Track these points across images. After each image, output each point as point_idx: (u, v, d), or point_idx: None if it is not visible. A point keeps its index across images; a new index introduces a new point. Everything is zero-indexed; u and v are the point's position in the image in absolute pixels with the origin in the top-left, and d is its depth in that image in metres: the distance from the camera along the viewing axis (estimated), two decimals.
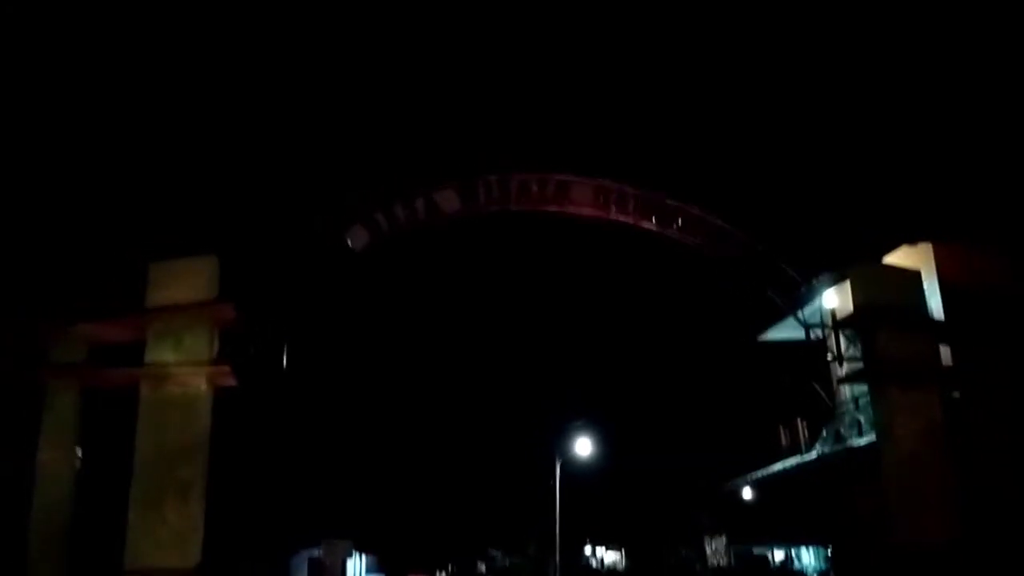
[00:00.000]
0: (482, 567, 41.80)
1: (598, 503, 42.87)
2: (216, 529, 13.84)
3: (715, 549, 39.53)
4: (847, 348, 15.02)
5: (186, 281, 12.24)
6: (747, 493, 28.80)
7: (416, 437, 37.76)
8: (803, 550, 33.85)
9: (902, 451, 12.83)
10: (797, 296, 16.77)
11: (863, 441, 15.03)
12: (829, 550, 31.48)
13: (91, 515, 11.31)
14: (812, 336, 17.17)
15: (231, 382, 12.19)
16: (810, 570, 32.01)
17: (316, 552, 35.30)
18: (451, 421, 38.98)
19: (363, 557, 36.94)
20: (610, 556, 53.00)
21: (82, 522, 11.30)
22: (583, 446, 42.01)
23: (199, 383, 11.85)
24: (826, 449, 17.02)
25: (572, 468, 41.78)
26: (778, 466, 18.91)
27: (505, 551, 42.30)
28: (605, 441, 41.10)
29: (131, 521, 11.16)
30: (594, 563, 51.60)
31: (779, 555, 35.60)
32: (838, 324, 14.77)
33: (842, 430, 17.21)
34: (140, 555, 11.00)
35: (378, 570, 36.23)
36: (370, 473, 35.85)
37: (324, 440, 30.72)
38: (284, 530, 32.02)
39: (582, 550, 50.34)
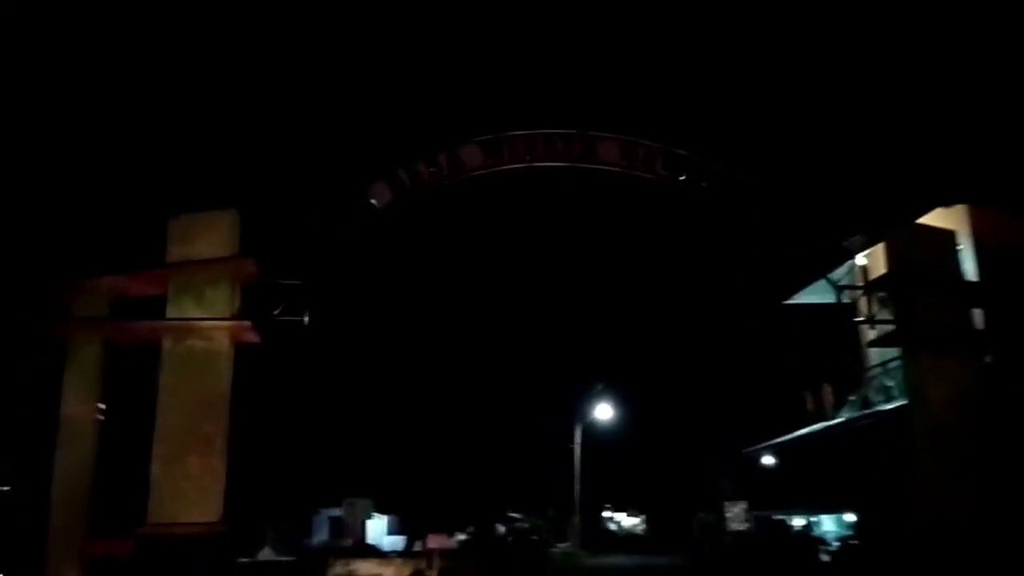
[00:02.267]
0: (501, 529, 41.93)
1: (618, 467, 42.96)
2: (239, 485, 13.90)
3: (735, 514, 39.42)
4: (878, 311, 14.69)
5: (207, 236, 12.14)
6: (770, 459, 28.67)
7: (437, 399, 37.88)
8: (824, 517, 33.72)
9: (934, 417, 12.56)
10: (829, 257, 16.42)
11: (892, 407, 14.78)
12: (850, 517, 31.36)
13: (114, 469, 11.32)
14: (842, 300, 16.86)
15: (253, 338, 12.13)
16: (830, 537, 31.80)
17: (338, 511, 35.63)
18: (473, 383, 39.05)
19: (384, 518, 37.22)
20: (629, 520, 53.30)
21: (105, 477, 11.31)
22: (604, 410, 42.09)
23: (221, 338, 11.80)
24: (853, 415, 16.79)
25: (593, 432, 41.87)
26: (803, 432, 18.70)
27: (525, 514, 42.46)
28: (626, 405, 41.09)
29: (153, 475, 11.18)
30: (613, 527, 51.94)
31: (799, 522, 35.43)
32: (871, 286, 14.41)
33: (870, 396, 16.94)
34: (163, 509, 11.03)
35: (399, 531, 36.48)
36: (391, 434, 36.06)
37: (345, 399, 30.82)
38: (306, 488, 32.34)
39: (601, 514, 50.64)
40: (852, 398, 17.24)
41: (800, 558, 26.51)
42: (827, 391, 18.02)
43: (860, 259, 16.21)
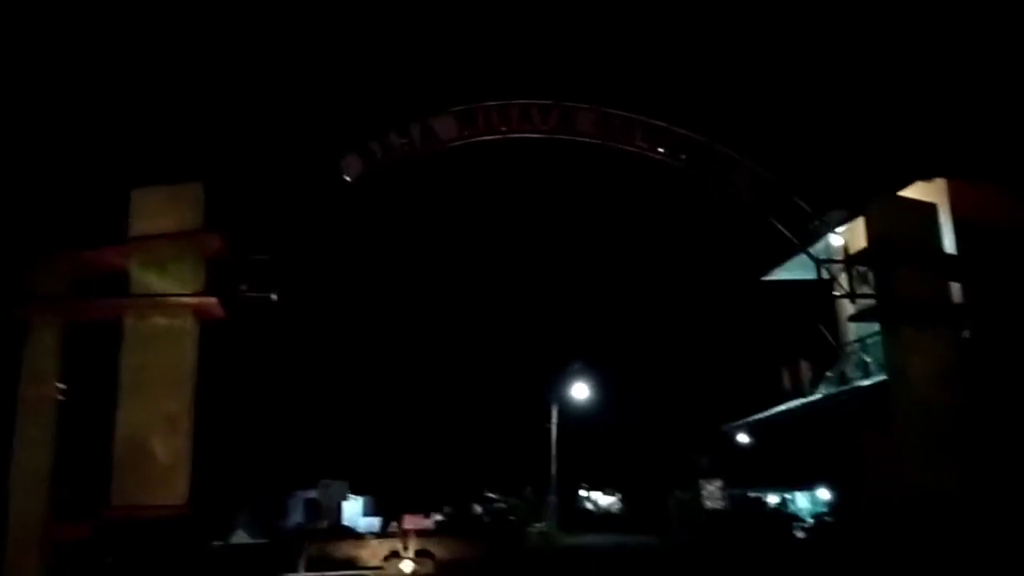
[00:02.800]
0: (478, 509, 41.79)
1: (594, 446, 42.93)
2: (209, 466, 13.49)
3: (710, 492, 39.51)
4: (858, 286, 14.53)
5: (171, 209, 11.66)
6: (746, 437, 28.67)
7: (411, 378, 37.53)
8: (798, 494, 33.94)
9: (915, 392, 12.43)
10: (808, 231, 16.23)
11: (870, 382, 14.67)
12: (824, 494, 31.54)
13: (76, 451, 10.88)
14: (821, 275, 16.71)
15: (219, 315, 11.70)
16: (804, 514, 31.98)
17: (313, 493, 35.25)
18: (446, 362, 38.72)
19: (360, 499, 36.90)
20: (605, 499, 53.43)
21: (67, 459, 10.87)
22: (580, 390, 41.93)
23: (185, 315, 11.36)
24: (831, 391, 16.69)
25: (569, 411, 41.72)
26: (780, 408, 18.61)
27: (501, 494, 42.34)
28: (603, 384, 40.99)
29: (116, 457, 10.76)
30: (589, 506, 52.03)
31: (774, 499, 35.63)
32: (852, 259, 14.22)
33: (847, 372, 16.86)
34: (127, 491, 10.62)
35: (375, 512, 36.20)
36: (365, 415, 35.69)
37: (318, 378, 30.32)
38: (280, 470, 31.90)
39: (577, 493, 50.69)
40: (830, 374, 17.14)
41: (775, 535, 26.60)
42: (804, 367, 17.91)
43: (839, 234, 16.05)
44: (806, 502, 33.48)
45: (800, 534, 26.87)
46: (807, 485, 33.48)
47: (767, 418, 19.10)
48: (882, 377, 14.84)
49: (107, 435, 10.88)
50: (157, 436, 10.85)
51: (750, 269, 19.58)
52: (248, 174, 12.14)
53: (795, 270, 18.71)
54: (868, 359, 15.71)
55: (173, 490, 10.75)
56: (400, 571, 25.51)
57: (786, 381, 18.50)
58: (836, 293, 14.89)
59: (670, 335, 35.20)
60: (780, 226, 16.38)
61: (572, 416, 41.15)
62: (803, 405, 17.58)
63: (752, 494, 36.05)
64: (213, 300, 11.44)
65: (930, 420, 12.22)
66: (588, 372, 40.09)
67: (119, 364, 11.14)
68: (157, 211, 11.63)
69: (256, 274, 11.65)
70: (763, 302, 20.86)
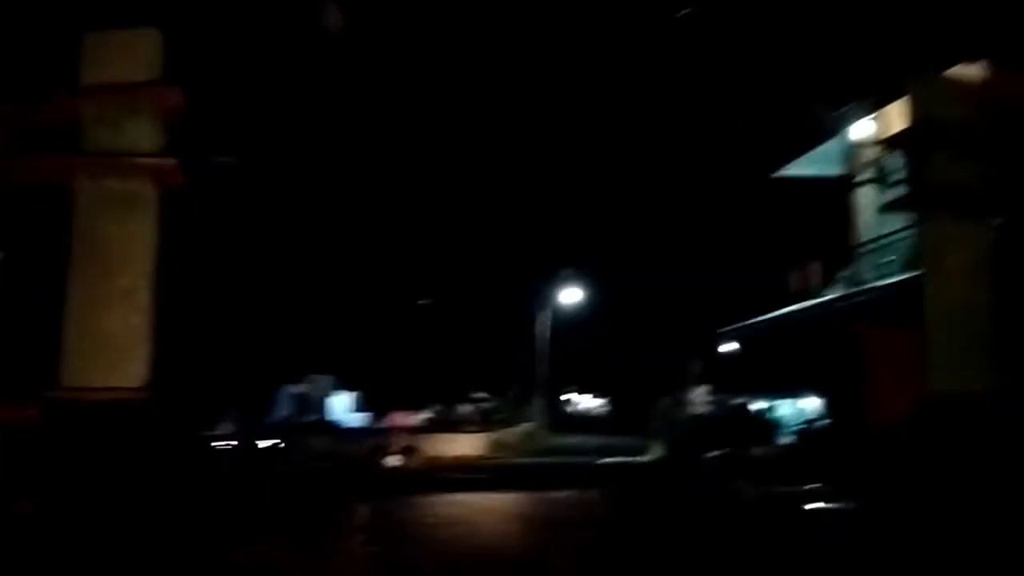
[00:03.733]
0: (466, 409, 41.25)
1: (583, 350, 42.16)
2: (181, 352, 12.24)
3: (696, 397, 38.98)
4: (887, 176, 13.17)
5: (126, 58, 9.99)
6: (737, 343, 27.76)
7: (401, 269, 36.26)
8: (781, 403, 33.25)
9: (950, 288, 11.16)
10: (838, 116, 14.79)
11: (893, 281, 13.45)
12: (809, 403, 30.86)
13: (20, 327, 9.50)
14: (843, 170, 15.36)
15: (179, 180, 10.20)
16: (787, 421, 31.21)
17: (300, 388, 34.64)
18: (432, 252, 37.37)
19: (348, 394, 36.37)
20: (591, 403, 53.27)
21: (9, 335, 9.50)
22: (571, 293, 40.87)
23: (142, 179, 9.85)
24: (844, 292, 15.48)
25: (560, 313, 40.77)
26: (787, 310, 17.43)
27: (489, 394, 41.75)
28: (596, 284, 39.88)
29: (66, 334, 9.42)
30: (575, 409, 51.87)
31: (758, 406, 34.88)
32: (889, 142, 12.77)
33: (862, 273, 15.64)
34: (78, 372, 9.33)
35: (363, 408, 35.66)
36: (353, 306, 34.54)
37: (296, 262, 28.82)
38: (266, 363, 30.89)
39: (564, 396, 50.37)
40: (842, 276, 15.92)
41: (757, 440, 25.92)
42: (814, 269, 16.65)
43: (864, 124, 14.64)
44: (787, 410, 32.83)
45: (786, 439, 26.24)
46: (791, 393, 32.77)
47: (768, 321, 17.95)
48: (901, 277, 13.70)
49: (57, 310, 9.52)
50: (111, 312, 9.49)
51: (759, 164, 18.10)
52: (212, 21, 10.41)
53: (810, 166, 17.34)
54: (887, 259, 14.47)
55: (129, 372, 9.46)
56: (385, 465, 24.89)
57: (794, 284, 17.27)
58: (863, 179, 13.50)
59: (673, 232, 33.59)
60: (810, 110, 14.92)
61: (563, 318, 40.28)
62: (810, 307, 16.41)
63: (736, 400, 35.43)
64: (172, 162, 9.92)
65: (965, 319, 10.99)
66: (580, 275, 38.99)
67: (70, 232, 9.68)
68: (110, 59, 9.97)
69: (221, 135, 10.08)
70: (772, 200, 19.44)
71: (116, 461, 9.04)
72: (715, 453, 22.55)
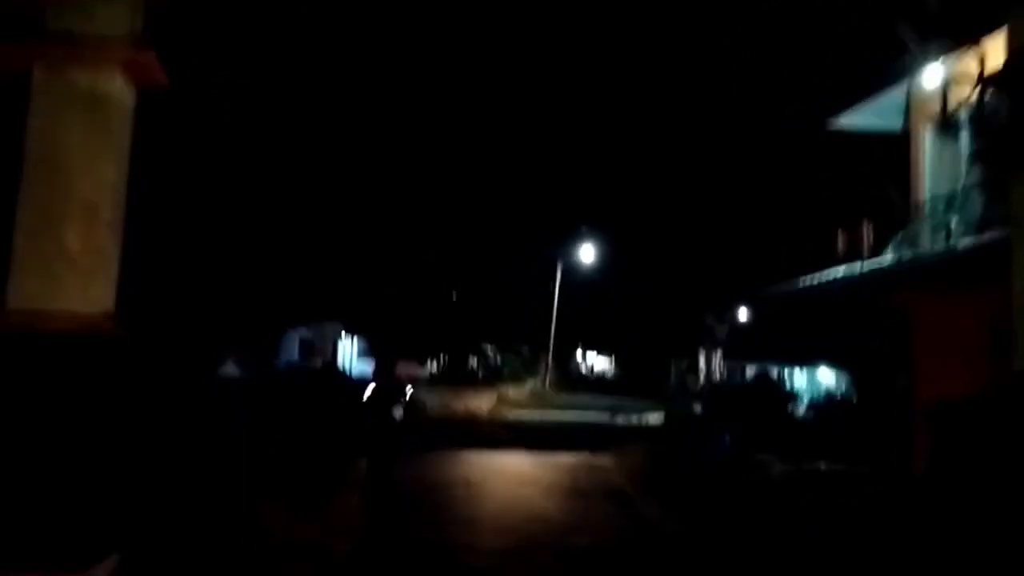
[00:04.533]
0: (473, 362, 40.00)
1: (596, 308, 40.59)
2: (176, 286, 10.65)
3: (710, 362, 37.48)
4: (961, 125, 11.34)
5: None
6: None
7: (416, 219, 34.64)
8: (796, 371, 31.67)
9: None
10: (905, 58, 12.93)
11: (969, 242, 11.68)
12: (826, 374, 29.30)
13: None
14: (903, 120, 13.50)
15: (158, 78, 8.48)
16: (802, 392, 29.65)
17: (306, 332, 33.61)
18: (452, 208, 35.70)
19: (355, 340, 35.18)
20: (601, 362, 51.80)
21: None
22: (587, 252, 39.14)
23: (113, 71, 8.11)
24: (901, 255, 13.70)
25: (574, 271, 39.13)
26: (834, 272, 15.62)
27: (498, 348, 40.38)
28: (613, 243, 38.12)
29: (16, 248, 7.79)
30: (584, 368, 50.42)
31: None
32: (985, 81, 10.89)
33: (921, 235, 13.86)
34: (28, 293, 7.70)
35: (369, 355, 34.44)
36: (363, 253, 33.01)
37: (306, 205, 27.22)
38: (272, 305, 29.51)
39: (573, 354, 48.89)
40: (898, 237, 14.12)
41: (777, 409, 24.49)
42: (866, 229, 14.83)
43: (939, 67, 12.75)
44: (803, 380, 31.31)
45: (802, 412, 24.76)
46: (807, 362, 31.18)
47: (808, 285, 16.19)
48: (969, 241, 11.95)
49: (8, 221, 7.88)
50: (70, 226, 7.84)
51: (808, 113, 16.20)
52: None
53: (867, 115, 15.49)
54: (954, 220, 12.68)
55: (90, 295, 7.84)
56: (389, 416, 23.53)
57: (841, 245, 15.46)
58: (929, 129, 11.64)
59: (703, 184, 31.58)
60: (866, 52, 13.07)
61: (576, 278, 38.66)
62: (858, 271, 14.62)
63: (757, 369, 33.95)
64: (149, 54, 8.18)
65: None
66: (597, 233, 37.24)
67: (24, 131, 7.99)
68: None
69: (213, 25, 8.33)
70: (819, 153, 17.54)
71: (73, 399, 7.48)
72: (735, 423, 21.00)
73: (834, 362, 25.55)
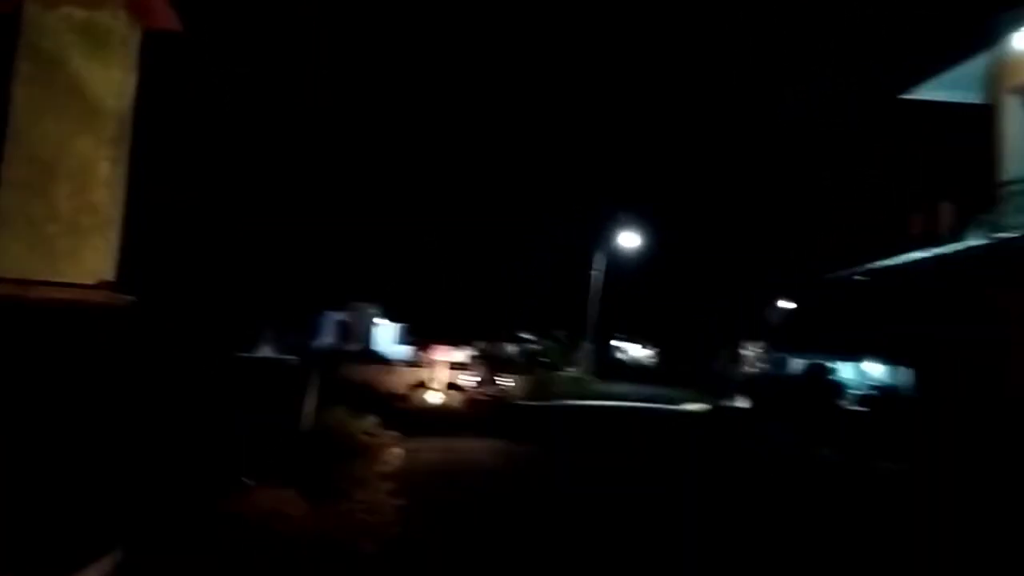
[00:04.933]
0: (511, 349, 38.79)
1: (638, 296, 39.18)
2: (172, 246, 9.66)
3: (752, 353, 35.88)
4: None
5: None
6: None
7: (456, 205, 33.59)
8: (842, 364, 29.93)
9: None
10: (992, 23, 11.43)
11: None
12: (874, 367, 27.61)
13: None
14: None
15: (166, 20, 7.41)
16: (852, 385, 27.89)
17: (343, 315, 32.93)
18: (495, 188, 34.55)
19: (392, 325, 34.35)
20: (640, 351, 50.28)
21: None
22: (629, 238, 37.68)
23: (114, 8, 7.05)
24: (985, 240, 12.20)
25: (617, 258, 37.74)
26: (898, 259, 14.16)
27: (536, 335, 39.18)
28: (658, 228, 36.63)
29: (2, 208, 6.78)
30: (622, 356, 48.98)
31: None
32: None
33: (1008, 217, 12.34)
34: (14, 258, 6.70)
35: (406, 340, 33.54)
36: (402, 237, 32.08)
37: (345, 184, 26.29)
38: (309, 287, 28.74)
39: (611, 343, 47.48)
40: (982, 219, 12.61)
41: (831, 402, 23.04)
42: (946, 210, 13.31)
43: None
44: (850, 373, 29.60)
45: (854, 406, 23.20)
46: (859, 354, 29.45)
47: (876, 270, 14.69)
48: None
49: None
50: (65, 184, 6.81)
51: (881, 84, 14.69)
52: None
53: (947, 87, 13.94)
54: None
55: (82, 263, 6.81)
56: (424, 402, 22.67)
57: (915, 227, 13.93)
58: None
59: (758, 162, 29.83)
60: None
61: (618, 265, 37.29)
62: (935, 256, 13.11)
63: (797, 359, 32.33)
64: None
65: None
66: (641, 217, 35.79)
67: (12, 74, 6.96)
68: None
69: None
70: (892, 128, 15.97)
71: (62, 378, 6.46)
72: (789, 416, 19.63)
73: (893, 355, 23.88)
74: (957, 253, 12.44)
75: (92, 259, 6.86)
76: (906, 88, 13.97)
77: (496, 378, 27.03)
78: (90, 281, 6.79)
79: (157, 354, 8.94)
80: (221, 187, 15.58)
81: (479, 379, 25.95)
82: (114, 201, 7.07)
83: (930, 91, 14.03)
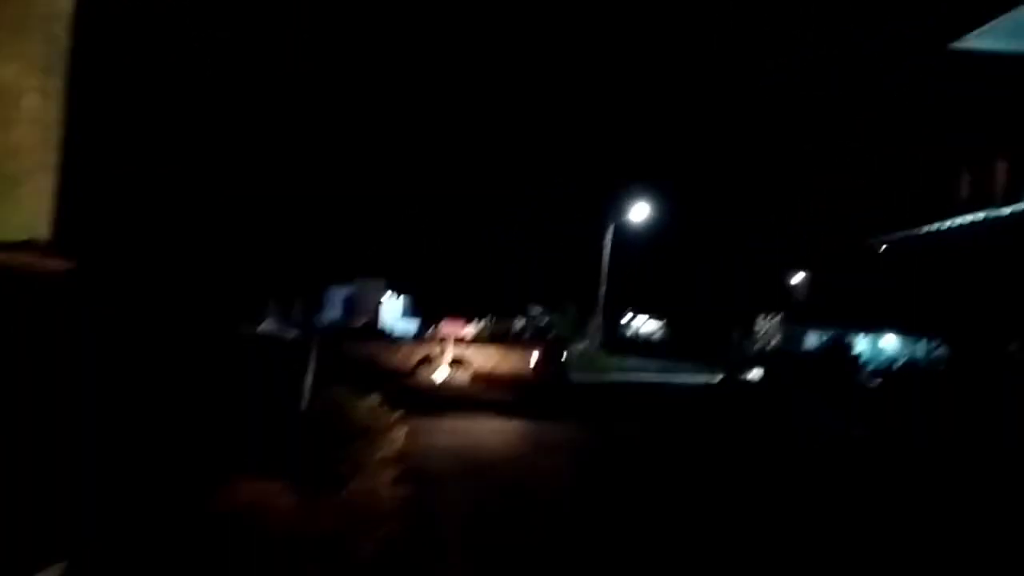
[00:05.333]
0: (519, 323, 37.55)
1: (648, 270, 37.83)
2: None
3: (768, 326, 34.54)
4: None
5: None
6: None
7: (465, 179, 32.22)
8: (858, 338, 28.56)
9: None
10: None
11: None
12: (890, 340, 26.26)
13: None
14: None
15: None
16: (866, 359, 26.52)
17: (350, 290, 31.74)
18: (503, 163, 33.17)
19: (400, 299, 33.13)
20: (650, 325, 48.97)
21: None
22: (640, 210, 36.21)
23: None
24: None
25: (627, 231, 36.34)
26: (945, 224, 12.75)
27: (545, 309, 37.93)
28: (670, 199, 35.14)
29: None
30: (632, 331, 47.72)
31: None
32: None
33: None
34: None
35: (414, 314, 32.35)
36: (408, 208, 30.77)
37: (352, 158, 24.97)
38: (314, 260, 27.53)
39: (621, 317, 46.20)
40: None
41: (852, 377, 21.74)
42: (1000, 169, 11.85)
43: None
44: (866, 346, 28.23)
45: (870, 381, 21.90)
46: (881, 328, 28.02)
47: (927, 234, 13.27)
48: None
49: None
50: None
51: (929, 33, 13.14)
52: None
53: (1001, 37, 12.39)
54: None
55: (12, 218, 5.51)
56: (433, 378, 21.48)
57: (964, 189, 12.50)
58: None
59: (784, 122, 28.30)
60: None
61: (628, 238, 35.91)
62: (993, 217, 11.69)
63: (813, 333, 31.01)
64: None
65: None
66: (653, 189, 34.32)
67: None
68: None
69: None
70: (938, 80, 14.46)
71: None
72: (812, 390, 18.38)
73: (922, 327, 22.51)
74: (1015, 214, 11.02)
75: (15, 213, 5.55)
76: (959, 36, 12.45)
77: (508, 352, 25.84)
78: (13, 238, 5.48)
79: (122, 330, 7.64)
80: (225, 159, 14.42)
81: (491, 354, 24.77)
82: (46, 144, 5.74)
83: (983, 40, 12.50)
